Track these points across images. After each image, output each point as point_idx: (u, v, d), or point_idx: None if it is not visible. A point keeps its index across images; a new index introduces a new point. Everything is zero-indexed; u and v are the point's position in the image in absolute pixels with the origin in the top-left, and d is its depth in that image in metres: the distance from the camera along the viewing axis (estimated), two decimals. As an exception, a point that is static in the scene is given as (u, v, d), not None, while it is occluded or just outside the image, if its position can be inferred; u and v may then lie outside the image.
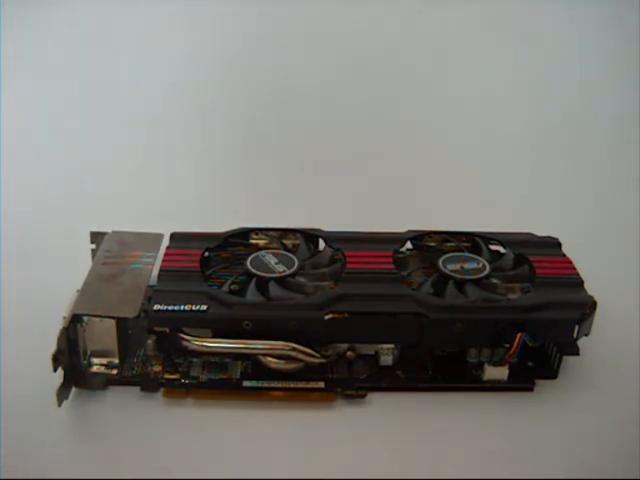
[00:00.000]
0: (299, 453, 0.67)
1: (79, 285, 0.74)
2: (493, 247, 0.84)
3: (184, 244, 0.80)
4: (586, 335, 0.73)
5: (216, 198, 1.02)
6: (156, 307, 0.71)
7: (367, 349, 0.75)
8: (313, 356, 0.71)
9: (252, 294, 0.73)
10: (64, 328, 0.67)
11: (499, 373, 0.73)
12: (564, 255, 0.81)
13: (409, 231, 0.85)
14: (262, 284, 0.75)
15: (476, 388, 0.73)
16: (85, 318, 0.70)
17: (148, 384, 0.71)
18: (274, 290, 0.74)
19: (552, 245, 0.83)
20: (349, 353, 0.74)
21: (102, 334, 0.71)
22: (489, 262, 0.79)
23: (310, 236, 0.84)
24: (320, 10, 1.17)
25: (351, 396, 0.72)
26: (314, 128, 1.13)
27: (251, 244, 0.84)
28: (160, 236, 0.82)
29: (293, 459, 0.66)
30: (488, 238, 0.84)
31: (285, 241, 0.84)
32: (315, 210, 0.98)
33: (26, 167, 1.05)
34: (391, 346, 0.73)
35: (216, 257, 0.81)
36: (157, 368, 0.73)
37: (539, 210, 1.03)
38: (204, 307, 0.71)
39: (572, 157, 1.11)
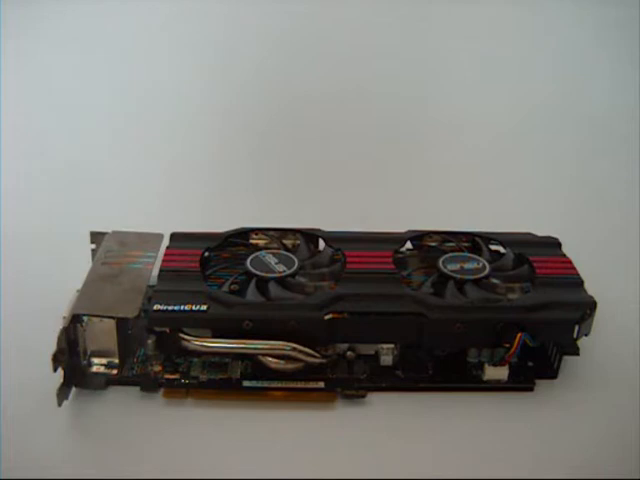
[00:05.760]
0: (299, 453, 0.67)
1: (79, 285, 0.74)
2: (493, 247, 0.84)
3: (184, 244, 0.81)
4: (586, 335, 0.73)
5: (216, 198, 1.02)
6: (156, 307, 0.71)
7: (367, 349, 0.75)
8: (313, 356, 0.71)
9: (252, 294, 0.73)
10: (64, 328, 0.67)
11: (499, 373, 0.73)
12: (564, 255, 0.81)
13: (409, 231, 0.85)
14: (262, 284, 0.75)
15: (476, 388, 0.73)
16: (85, 318, 0.70)
17: (148, 384, 0.71)
18: (274, 290, 0.74)
19: (552, 245, 0.83)
20: (349, 353, 0.74)
21: (102, 334, 0.71)
22: (489, 262, 0.79)
23: (310, 236, 0.84)
24: (330, 12, 1.17)
25: (351, 396, 0.72)
26: (314, 128, 1.13)
27: (251, 244, 0.84)
28: (160, 236, 0.82)
29: (293, 459, 0.66)
30: (488, 238, 0.84)
31: (285, 241, 0.84)
32: (315, 210, 0.98)
33: (26, 167, 1.05)
34: (391, 346, 0.73)
35: (216, 257, 0.81)
36: (157, 368, 0.73)
37: (539, 210, 1.03)
38: (204, 307, 0.71)
39: (572, 157, 1.11)
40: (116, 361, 0.72)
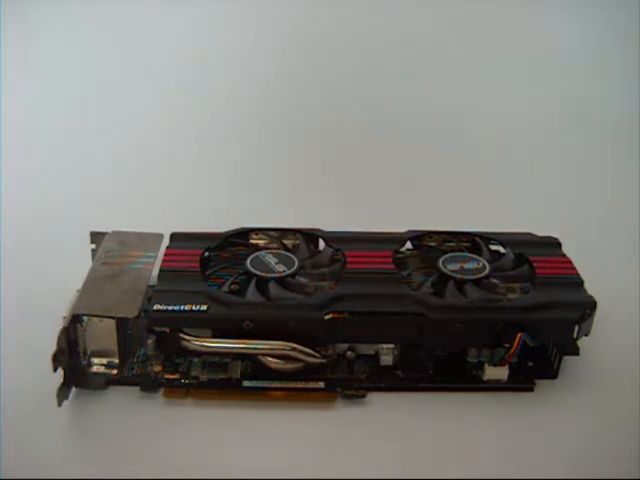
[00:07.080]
0: (299, 453, 0.67)
1: (79, 285, 0.74)
2: (493, 247, 0.84)
3: (184, 244, 0.81)
4: (586, 335, 0.73)
5: (216, 198, 1.02)
6: (156, 307, 0.71)
7: (367, 349, 0.75)
8: (313, 356, 0.71)
9: (252, 294, 0.73)
10: (64, 328, 0.67)
11: (499, 373, 0.73)
12: (564, 255, 0.81)
13: (409, 231, 0.85)
14: (262, 284, 0.75)
15: (476, 388, 0.73)
16: (85, 318, 0.70)
17: (148, 384, 0.71)
18: (274, 290, 0.74)
19: (552, 245, 0.83)
20: (349, 353, 0.74)
21: (102, 334, 0.71)
22: (489, 262, 0.79)
23: (310, 236, 0.84)
24: (329, 11, 1.16)
25: (351, 396, 0.72)
26: (314, 128, 1.13)
27: (251, 244, 0.84)
28: (160, 236, 0.82)
29: (293, 459, 0.66)
30: (488, 238, 0.84)
31: (285, 241, 0.84)
32: (315, 210, 0.98)
33: (26, 167, 1.05)
34: (391, 346, 0.73)
35: (216, 257, 0.81)
36: (157, 368, 0.73)
37: (539, 210, 1.03)
38: (204, 307, 0.71)
39: (572, 157, 1.11)
40: (116, 361, 0.72)
